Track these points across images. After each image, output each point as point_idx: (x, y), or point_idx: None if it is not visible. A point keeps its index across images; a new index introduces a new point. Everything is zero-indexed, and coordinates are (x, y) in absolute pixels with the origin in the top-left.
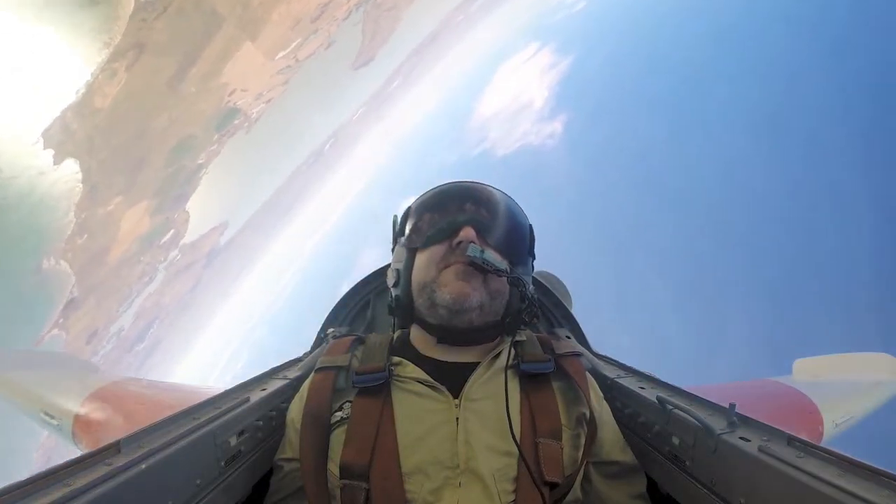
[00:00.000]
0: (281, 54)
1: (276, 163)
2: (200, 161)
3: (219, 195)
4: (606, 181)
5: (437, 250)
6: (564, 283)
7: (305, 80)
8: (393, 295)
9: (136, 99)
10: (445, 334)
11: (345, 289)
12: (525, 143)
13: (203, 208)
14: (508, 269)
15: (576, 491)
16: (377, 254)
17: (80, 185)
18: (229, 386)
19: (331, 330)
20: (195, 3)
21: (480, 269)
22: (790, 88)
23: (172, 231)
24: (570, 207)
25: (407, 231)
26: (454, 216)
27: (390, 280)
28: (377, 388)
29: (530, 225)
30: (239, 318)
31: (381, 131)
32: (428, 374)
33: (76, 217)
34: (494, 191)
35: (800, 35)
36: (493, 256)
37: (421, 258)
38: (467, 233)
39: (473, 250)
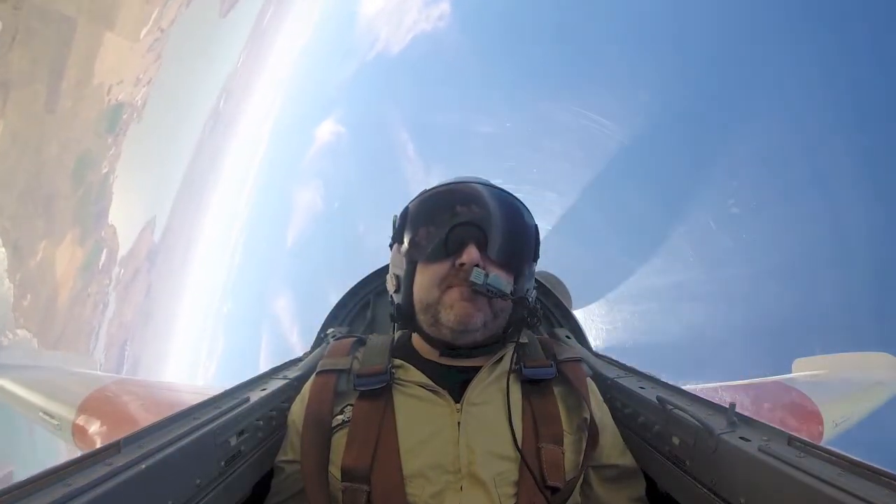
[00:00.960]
0: (144, 31)
1: (179, 138)
2: (105, 170)
3: (136, 194)
4: (511, 52)
5: (439, 269)
6: (564, 282)
7: (178, 47)
8: (394, 302)
9: (20, 139)
10: (449, 350)
11: (315, 250)
12: (417, 32)
13: (126, 215)
14: (512, 289)
15: (576, 495)
16: (312, 191)
17: (3, 250)
18: (228, 386)
19: (331, 330)
20: (41, 16)
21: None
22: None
23: (105, 250)
24: (481, 85)
25: (406, 240)
26: (456, 231)
27: (390, 286)
28: (378, 391)
29: (535, 225)
30: (202, 301)
31: (270, 68)
32: (429, 377)
33: (12, 282)
34: (496, 193)
35: None
36: (497, 280)
37: (423, 275)
38: (470, 255)
39: (477, 276)
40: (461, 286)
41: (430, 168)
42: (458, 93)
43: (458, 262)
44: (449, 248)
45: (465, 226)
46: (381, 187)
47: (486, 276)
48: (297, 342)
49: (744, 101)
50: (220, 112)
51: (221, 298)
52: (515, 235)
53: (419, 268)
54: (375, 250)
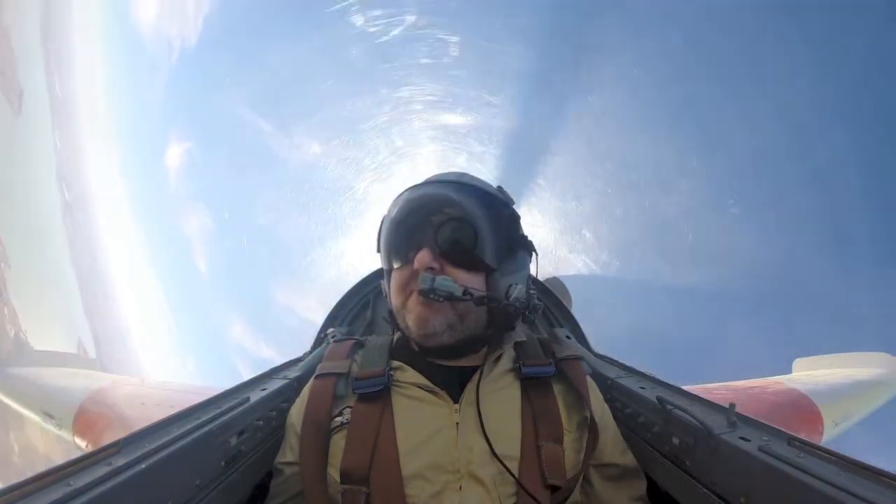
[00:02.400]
0: None
1: (45, 256)
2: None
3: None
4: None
5: (401, 275)
6: (565, 283)
7: None
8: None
9: None
10: (426, 352)
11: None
12: (206, 12)
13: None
14: (466, 291)
15: (576, 494)
16: (197, 214)
17: None
18: (228, 386)
19: (331, 330)
20: None
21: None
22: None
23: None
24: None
25: (380, 248)
26: (411, 237)
27: (384, 291)
28: (377, 393)
29: (511, 212)
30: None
31: (89, 127)
32: (428, 378)
33: None
34: (458, 190)
35: None
36: (444, 283)
37: (392, 281)
38: (420, 259)
39: (424, 280)
40: (416, 291)
41: (291, 132)
42: (278, 46)
43: (413, 267)
44: (409, 254)
45: (420, 229)
46: (254, 174)
47: (433, 279)
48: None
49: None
50: (70, 203)
51: (182, 356)
52: (480, 229)
53: (392, 274)
54: (288, 232)
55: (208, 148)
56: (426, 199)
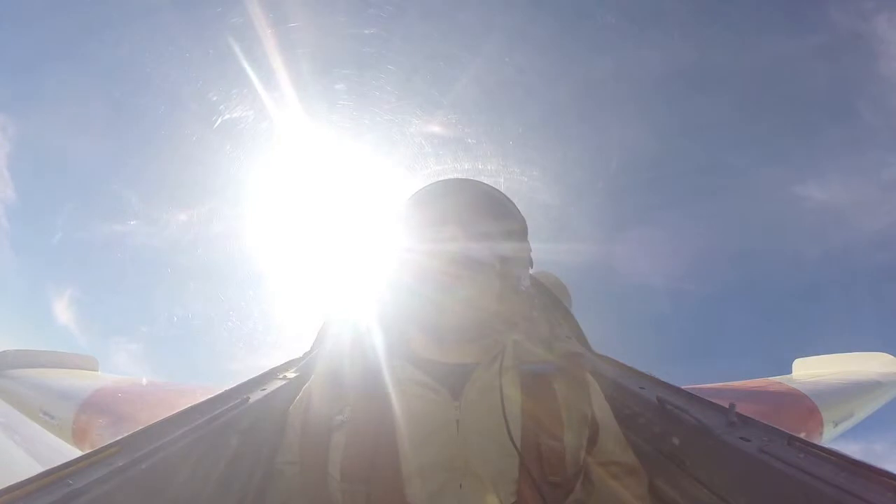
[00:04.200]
0: None
1: None
2: None
3: None
4: None
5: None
6: (564, 282)
7: None
8: None
9: None
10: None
11: None
12: None
13: None
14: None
15: (577, 491)
16: None
17: None
18: (229, 386)
19: (331, 330)
20: None
21: None
22: None
23: None
24: None
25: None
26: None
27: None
28: (377, 391)
29: (521, 225)
30: None
31: None
32: (427, 375)
33: None
34: (476, 198)
35: None
36: None
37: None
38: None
39: None
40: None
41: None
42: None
43: None
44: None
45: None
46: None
47: None
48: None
49: None
50: None
51: None
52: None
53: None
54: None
55: None
56: (445, 212)
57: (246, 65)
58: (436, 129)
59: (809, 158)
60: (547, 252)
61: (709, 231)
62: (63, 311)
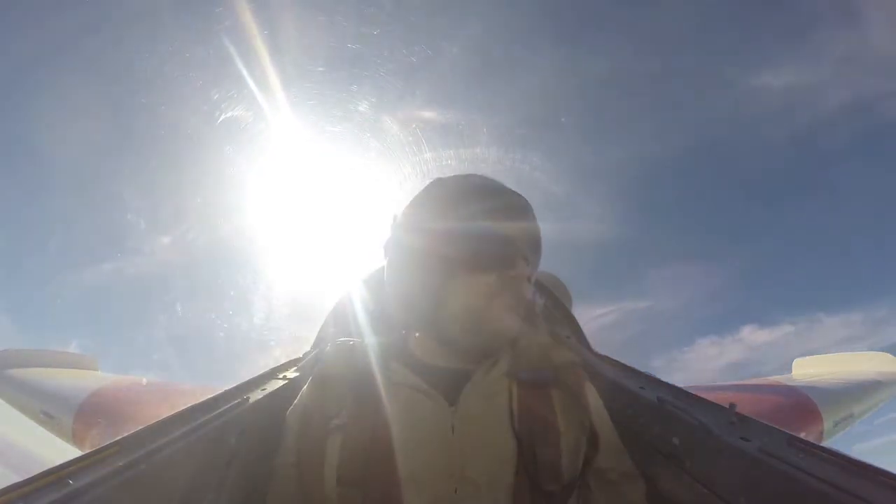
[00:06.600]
0: None
1: None
2: None
3: None
4: None
5: None
6: (564, 282)
7: None
8: None
9: None
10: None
11: None
12: None
13: None
14: None
15: (574, 500)
16: None
17: None
18: (229, 386)
19: (331, 330)
20: None
21: None
22: None
23: None
24: None
25: None
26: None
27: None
28: (373, 394)
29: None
30: None
31: None
32: (424, 380)
33: None
34: (500, 204)
35: None
36: None
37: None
38: None
39: None
40: None
41: None
42: None
43: None
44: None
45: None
46: None
47: None
48: None
49: None
50: None
51: None
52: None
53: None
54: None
55: None
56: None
57: (244, 71)
58: (433, 116)
59: (759, 51)
60: None
61: (676, 137)
62: None
